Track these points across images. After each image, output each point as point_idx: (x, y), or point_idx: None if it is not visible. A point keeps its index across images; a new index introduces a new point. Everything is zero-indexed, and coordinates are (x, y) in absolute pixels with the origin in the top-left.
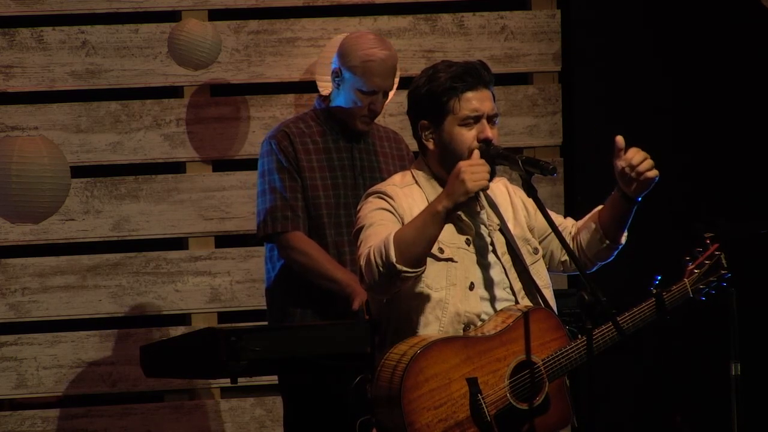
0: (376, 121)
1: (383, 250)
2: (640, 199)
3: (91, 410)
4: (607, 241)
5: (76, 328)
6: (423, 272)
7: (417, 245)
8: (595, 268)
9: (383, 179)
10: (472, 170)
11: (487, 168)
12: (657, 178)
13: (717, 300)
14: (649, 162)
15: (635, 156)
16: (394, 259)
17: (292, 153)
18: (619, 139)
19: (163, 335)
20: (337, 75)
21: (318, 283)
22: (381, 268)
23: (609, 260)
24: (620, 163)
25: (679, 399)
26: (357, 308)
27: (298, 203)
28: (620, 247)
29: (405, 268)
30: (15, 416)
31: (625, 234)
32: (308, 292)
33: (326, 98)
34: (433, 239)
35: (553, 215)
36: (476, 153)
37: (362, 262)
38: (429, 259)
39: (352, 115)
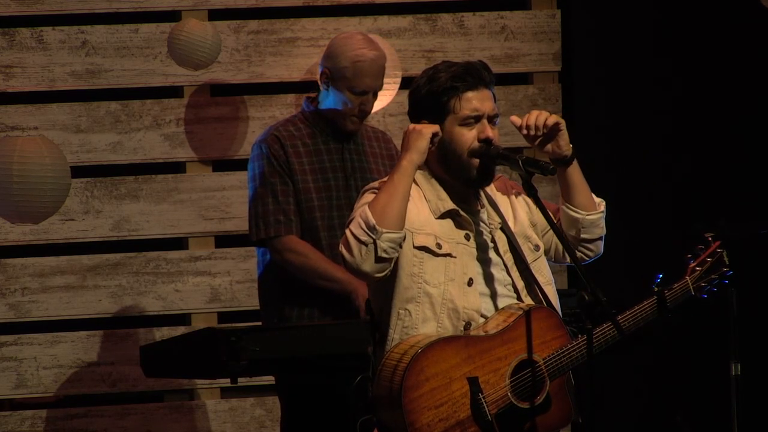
0: (365, 121)
1: (361, 221)
2: (571, 155)
3: (90, 410)
4: (581, 211)
5: (75, 328)
6: (404, 240)
7: (393, 203)
8: (602, 247)
9: (374, 179)
10: (420, 125)
11: (431, 124)
12: (562, 121)
13: (717, 299)
14: (544, 113)
15: (528, 117)
16: (374, 222)
17: (284, 156)
18: (514, 119)
19: (163, 335)
20: (326, 76)
21: (316, 283)
22: (362, 238)
23: (604, 233)
24: (523, 132)
25: (679, 399)
26: (363, 305)
27: (291, 207)
28: (603, 214)
29: (386, 229)
30: (15, 416)
31: (600, 201)
32: (304, 294)
33: (314, 100)
34: (407, 194)
35: (552, 207)
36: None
37: (341, 246)
38: (427, 255)
39: (343, 116)
